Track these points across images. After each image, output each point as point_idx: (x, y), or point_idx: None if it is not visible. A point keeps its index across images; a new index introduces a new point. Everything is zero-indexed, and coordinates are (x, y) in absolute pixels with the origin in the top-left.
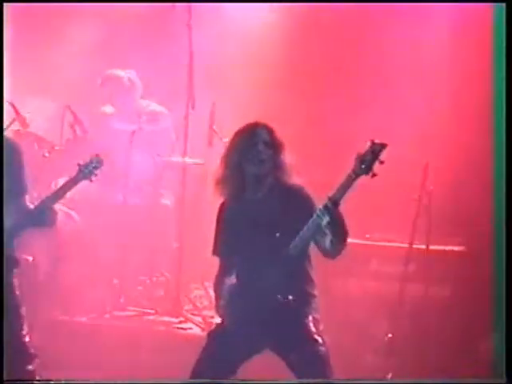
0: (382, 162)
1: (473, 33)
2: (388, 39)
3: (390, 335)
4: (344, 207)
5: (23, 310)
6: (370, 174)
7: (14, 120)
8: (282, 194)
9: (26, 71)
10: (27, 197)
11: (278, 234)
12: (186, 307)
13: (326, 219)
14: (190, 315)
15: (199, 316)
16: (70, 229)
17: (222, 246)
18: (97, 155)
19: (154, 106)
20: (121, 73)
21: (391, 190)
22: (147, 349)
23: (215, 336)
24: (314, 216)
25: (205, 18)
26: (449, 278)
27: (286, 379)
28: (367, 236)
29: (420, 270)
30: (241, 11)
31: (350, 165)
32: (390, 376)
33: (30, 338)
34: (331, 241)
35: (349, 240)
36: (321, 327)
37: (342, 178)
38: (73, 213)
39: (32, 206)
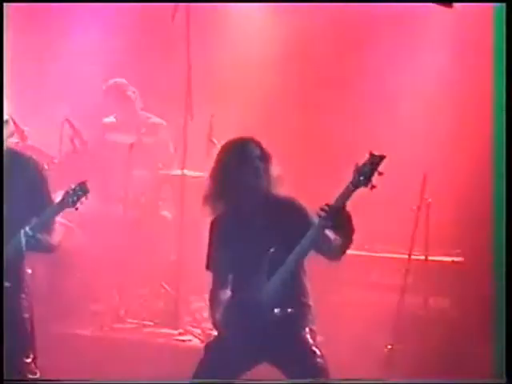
0: (380, 174)
1: (473, 33)
2: (387, 40)
3: (389, 346)
4: None
5: (31, 334)
6: (369, 185)
7: (13, 133)
8: (274, 206)
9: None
10: None
11: (272, 250)
12: (186, 319)
13: (329, 224)
14: (189, 327)
15: (199, 328)
16: (70, 241)
17: (215, 261)
18: (82, 183)
19: (154, 119)
20: (125, 82)
21: (390, 201)
22: (147, 361)
23: (212, 349)
24: (315, 224)
25: (203, 29)
26: (448, 289)
27: (285, 380)
28: (366, 247)
29: (419, 281)
30: (240, 20)
31: (348, 175)
32: None
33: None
34: (336, 243)
35: (348, 251)
36: (318, 338)
37: (340, 190)
38: (72, 225)
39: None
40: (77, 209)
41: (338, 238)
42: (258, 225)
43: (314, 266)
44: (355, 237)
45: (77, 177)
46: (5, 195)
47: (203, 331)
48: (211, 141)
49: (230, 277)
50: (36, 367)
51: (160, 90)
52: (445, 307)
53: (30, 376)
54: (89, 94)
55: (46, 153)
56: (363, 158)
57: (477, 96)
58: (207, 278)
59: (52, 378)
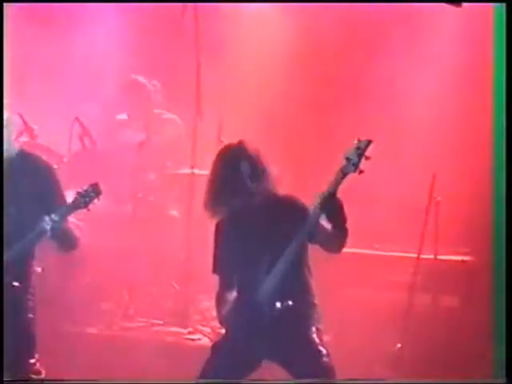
0: (368, 158)
1: (473, 33)
2: (388, 40)
3: (399, 345)
4: (353, 218)
5: (35, 334)
6: (357, 171)
7: (22, 131)
8: (275, 206)
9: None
10: None
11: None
12: (195, 318)
13: (322, 211)
14: (198, 326)
15: (208, 327)
16: (79, 240)
17: (221, 264)
18: (95, 184)
19: (167, 115)
20: (143, 80)
21: (400, 201)
22: (156, 359)
23: (218, 349)
24: (311, 213)
25: (212, 29)
26: (456, 288)
27: (286, 379)
28: (376, 246)
29: (428, 280)
30: (249, 20)
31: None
32: None
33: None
34: (332, 234)
35: (358, 250)
36: (326, 338)
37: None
38: (81, 224)
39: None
40: (88, 210)
41: (333, 228)
42: (260, 226)
43: (323, 264)
44: (365, 236)
45: (86, 175)
46: (16, 197)
47: (213, 330)
48: (221, 140)
49: (236, 279)
50: (41, 367)
51: (169, 90)
52: (453, 306)
53: (35, 376)
54: (99, 92)
55: (56, 151)
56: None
57: (478, 98)
58: (216, 276)
59: (58, 378)
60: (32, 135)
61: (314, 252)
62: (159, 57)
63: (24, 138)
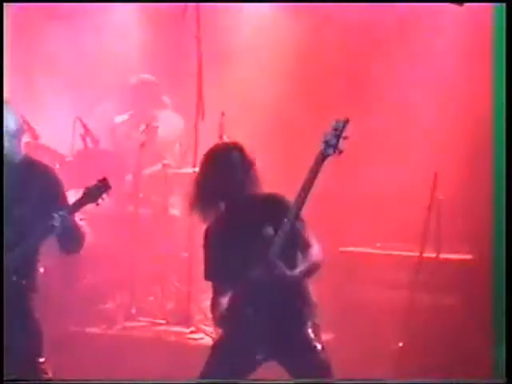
0: (345, 138)
1: (473, 33)
2: (388, 40)
3: (400, 344)
4: (356, 216)
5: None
6: (337, 152)
7: (24, 132)
8: (262, 205)
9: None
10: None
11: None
12: (197, 317)
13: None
14: (201, 325)
15: (210, 326)
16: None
17: (213, 270)
18: (104, 179)
19: (169, 115)
20: (152, 79)
21: (402, 200)
22: (159, 359)
23: (217, 349)
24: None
25: (214, 27)
26: (459, 286)
27: (287, 379)
28: (378, 245)
29: (430, 278)
30: (251, 19)
31: (361, 173)
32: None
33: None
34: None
35: (359, 249)
36: (328, 335)
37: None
38: (83, 224)
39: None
40: (98, 204)
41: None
42: (249, 226)
43: (324, 263)
44: (367, 235)
45: (88, 175)
46: (19, 200)
47: (215, 329)
48: (222, 139)
49: (230, 283)
50: (48, 367)
51: (171, 89)
52: (454, 305)
53: (44, 376)
54: (100, 92)
55: (58, 151)
56: (372, 156)
57: (477, 98)
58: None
59: (60, 378)
60: (34, 135)
61: None
62: (161, 55)
63: (26, 139)
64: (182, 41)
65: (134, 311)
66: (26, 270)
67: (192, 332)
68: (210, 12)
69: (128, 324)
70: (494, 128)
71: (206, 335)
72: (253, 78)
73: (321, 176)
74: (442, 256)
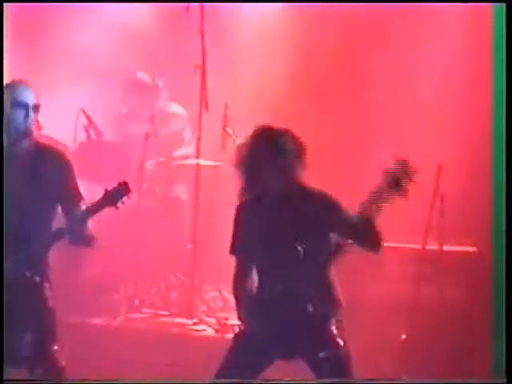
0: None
1: (473, 33)
2: (388, 40)
3: (403, 336)
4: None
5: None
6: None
7: None
8: (306, 198)
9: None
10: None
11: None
12: (200, 309)
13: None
14: (204, 317)
15: (213, 317)
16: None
17: (240, 245)
18: (125, 182)
19: (172, 107)
20: (147, 77)
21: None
22: (161, 350)
23: (239, 340)
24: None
25: (218, 21)
26: (462, 279)
27: (289, 380)
28: None
29: (433, 271)
30: (253, 15)
31: (362, 167)
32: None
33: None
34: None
35: None
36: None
37: (371, 196)
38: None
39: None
40: (117, 208)
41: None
42: (287, 216)
43: None
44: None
45: (91, 167)
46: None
47: (218, 321)
48: (226, 131)
49: (255, 263)
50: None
51: (175, 81)
52: (458, 298)
53: (59, 365)
54: (104, 84)
55: (61, 143)
56: (374, 152)
57: (477, 96)
58: (222, 267)
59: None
60: (37, 126)
61: None
62: (165, 49)
63: None
64: (187, 33)
65: (137, 302)
66: (39, 262)
67: (195, 323)
68: (213, 12)
69: (131, 315)
70: (495, 124)
71: (208, 327)
72: (256, 68)
73: (322, 170)
74: (446, 248)
